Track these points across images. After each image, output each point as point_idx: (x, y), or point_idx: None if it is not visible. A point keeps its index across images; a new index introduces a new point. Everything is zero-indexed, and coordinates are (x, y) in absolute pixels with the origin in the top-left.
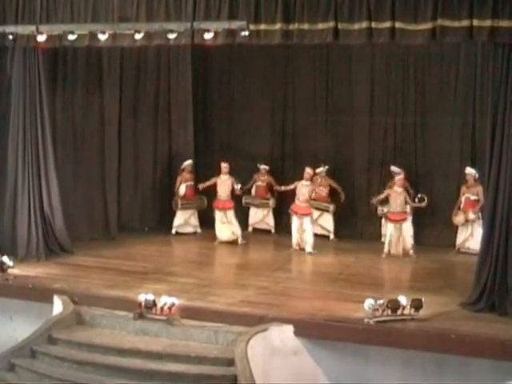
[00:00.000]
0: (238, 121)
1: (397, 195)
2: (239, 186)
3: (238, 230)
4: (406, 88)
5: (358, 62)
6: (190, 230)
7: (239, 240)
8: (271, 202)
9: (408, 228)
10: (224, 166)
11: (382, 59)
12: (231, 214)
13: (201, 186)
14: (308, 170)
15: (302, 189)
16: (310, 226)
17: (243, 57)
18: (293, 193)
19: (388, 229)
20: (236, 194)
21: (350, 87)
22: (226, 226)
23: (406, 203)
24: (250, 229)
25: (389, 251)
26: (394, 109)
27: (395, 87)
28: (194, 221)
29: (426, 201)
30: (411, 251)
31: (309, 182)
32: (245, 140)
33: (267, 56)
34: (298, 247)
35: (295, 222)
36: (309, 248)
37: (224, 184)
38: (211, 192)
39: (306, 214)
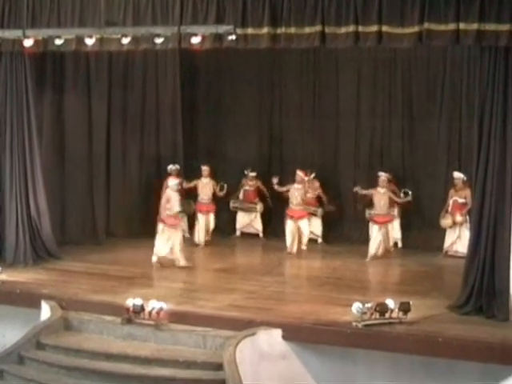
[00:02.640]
0: (225, 125)
1: (380, 196)
2: (223, 192)
3: (205, 236)
4: (393, 92)
5: (345, 66)
6: None
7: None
8: (259, 207)
9: (394, 229)
10: (204, 168)
11: (368, 63)
12: (212, 217)
13: (185, 185)
14: (299, 173)
15: (295, 192)
16: (306, 228)
17: (230, 61)
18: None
19: (373, 231)
20: (218, 197)
21: (336, 91)
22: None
23: (391, 205)
24: (237, 233)
25: (374, 254)
26: (380, 112)
27: (382, 91)
28: (183, 225)
29: (410, 194)
30: (394, 247)
31: (301, 185)
32: (231, 144)
33: (254, 60)
34: (291, 251)
35: (290, 225)
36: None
37: (205, 187)
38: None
39: (301, 217)
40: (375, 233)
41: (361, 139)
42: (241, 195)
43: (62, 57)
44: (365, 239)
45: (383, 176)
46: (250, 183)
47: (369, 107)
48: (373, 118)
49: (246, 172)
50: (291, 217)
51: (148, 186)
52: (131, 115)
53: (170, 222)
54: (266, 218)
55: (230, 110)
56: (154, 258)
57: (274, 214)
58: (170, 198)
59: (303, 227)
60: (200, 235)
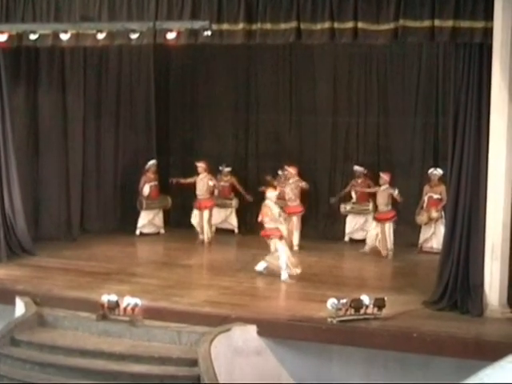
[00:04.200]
0: (201, 120)
1: (379, 193)
2: (212, 183)
3: (209, 232)
4: (369, 88)
5: (321, 62)
6: (153, 230)
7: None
8: (234, 202)
9: (390, 228)
10: (199, 165)
11: (344, 59)
12: (207, 213)
13: (174, 180)
14: (289, 169)
15: (287, 188)
16: (297, 224)
17: (206, 57)
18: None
19: (373, 228)
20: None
21: (313, 87)
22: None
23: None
24: (213, 229)
25: (371, 247)
26: (356, 108)
27: (358, 87)
28: (158, 221)
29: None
30: (390, 253)
31: (291, 180)
32: (207, 140)
33: (230, 56)
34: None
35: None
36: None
37: (200, 183)
38: (174, 192)
39: (294, 213)
40: (372, 227)
41: (337, 135)
42: (216, 191)
43: (37, 51)
44: (341, 235)
45: (383, 174)
46: (225, 179)
47: (345, 103)
48: (349, 114)
49: (220, 168)
50: (287, 213)
51: (123, 181)
52: (106, 111)
53: (277, 234)
54: (241, 213)
55: (206, 106)
56: (287, 275)
57: (250, 209)
58: (270, 210)
59: (295, 222)
60: (204, 232)
